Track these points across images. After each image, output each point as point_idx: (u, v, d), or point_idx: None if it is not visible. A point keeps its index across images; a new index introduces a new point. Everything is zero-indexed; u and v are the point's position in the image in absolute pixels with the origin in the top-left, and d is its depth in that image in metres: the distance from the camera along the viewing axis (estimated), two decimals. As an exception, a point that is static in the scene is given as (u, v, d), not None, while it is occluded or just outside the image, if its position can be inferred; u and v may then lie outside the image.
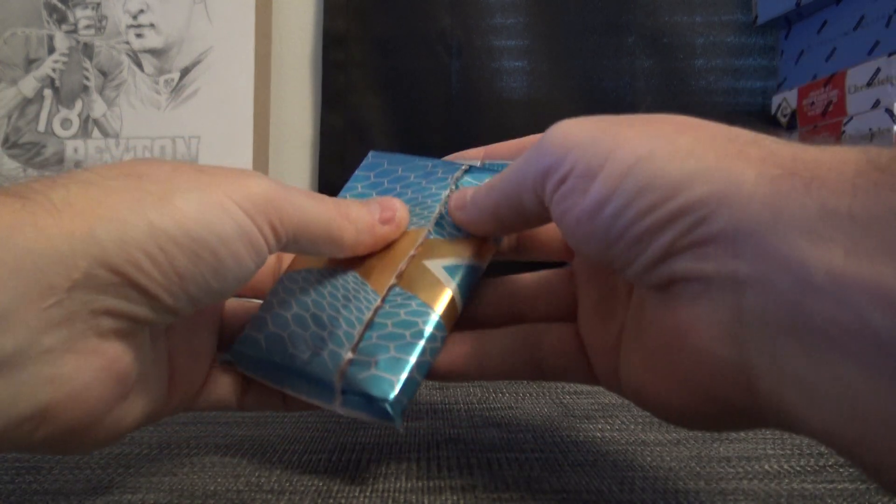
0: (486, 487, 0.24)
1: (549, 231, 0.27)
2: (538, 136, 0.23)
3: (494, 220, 0.24)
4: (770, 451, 0.29)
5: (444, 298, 0.24)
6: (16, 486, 0.24)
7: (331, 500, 0.23)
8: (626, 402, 0.37)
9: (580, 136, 0.20)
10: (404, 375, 0.22)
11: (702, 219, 0.17)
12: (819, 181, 0.15)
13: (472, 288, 0.25)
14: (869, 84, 0.53)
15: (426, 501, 0.23)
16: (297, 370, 0.24)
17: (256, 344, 0.25)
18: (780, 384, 0.16)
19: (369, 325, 0.24)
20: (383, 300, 0.24)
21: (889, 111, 0.51)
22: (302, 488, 0.24)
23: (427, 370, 0.24)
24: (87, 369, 0.18)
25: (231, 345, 0.26)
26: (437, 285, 0.24)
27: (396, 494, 0.24)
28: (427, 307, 0.24)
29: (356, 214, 0.24)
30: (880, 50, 0.54)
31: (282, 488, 0.24)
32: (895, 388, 0.13)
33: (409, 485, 0.24)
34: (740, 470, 0.26)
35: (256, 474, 0.26)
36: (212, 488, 0.24)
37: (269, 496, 0.23)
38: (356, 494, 0.24)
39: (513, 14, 0.68)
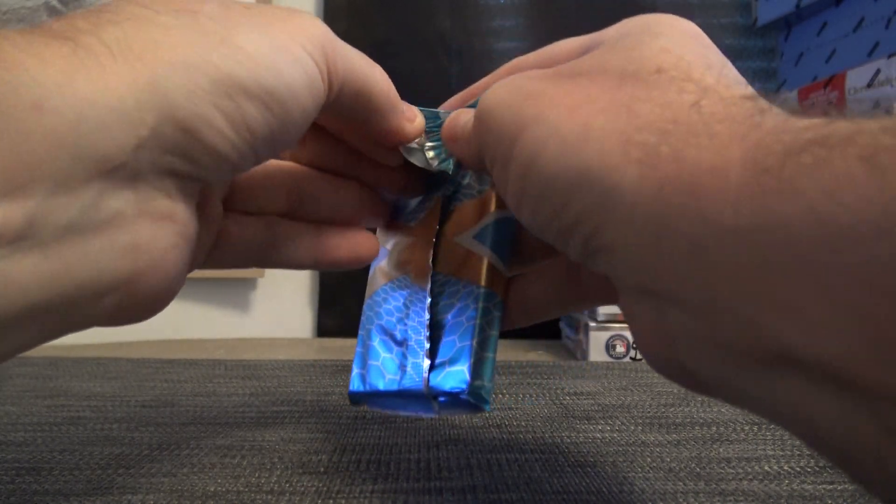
0: (486, 488, 0.24)
1: None
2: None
3: (476, 160, 0.23)
4: (770, 452, 0.29)
5: (483, 269, 0.24)
6: (16, 486, 0.24)
7: (330, 501, 0.23)
8: (627, 403, 0.37)
9: (498, 111, 0.19)
10: (471, 361, 0.22)
11: (596, 228, 0.16)
12: (699, 189, 0.13)
13: (509, 238, 0.25)
14: (869, 85, 0.53)
15: (426, 502, 0.23)
16: (398, 393, 0.24)
17: (360, 380, 0.25)
18: (720, 390, 0.15)
19: (431, 325, 0.24)
20: (431, 294, 0.24)
21: (889, 112, 0.51)
22: (302, 489, 0.24)
23: (495, 343, 0.23)
24: (163, 236, 0.17)
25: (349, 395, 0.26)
26: (473, 258, 0.24)
27: (396, 495, 0.24)
28: (471, 284, 0.24)
29: (389, 85, 0.23)
30: (880, 51, 0.54)
31: (281, 489, 0.24)
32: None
33: (409, 485, 0.24)
34: (740, 471, 0.26)
35: (256, 475, 0.26)
36: (212, 489, 0.24)
37: (269, 497, 0.23)
38: (356, 495, 0.24)
39: (512, 17, 0.69)
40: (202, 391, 0.39)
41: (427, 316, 0.24)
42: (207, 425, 0.32)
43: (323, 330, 0.70)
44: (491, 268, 0.24)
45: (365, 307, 0.27)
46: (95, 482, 0.25)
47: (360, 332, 0.27)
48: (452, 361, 0.23)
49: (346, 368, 0.46)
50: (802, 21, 0.64)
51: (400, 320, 0.25)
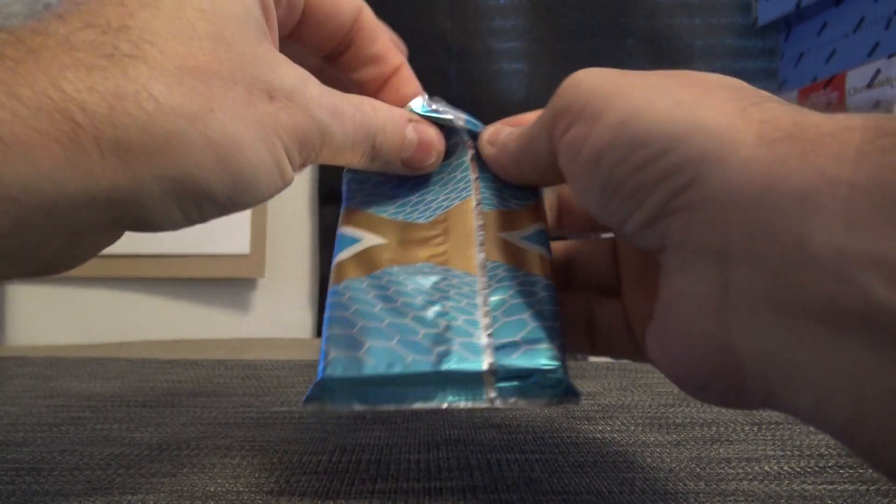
0: (486, 488, 0.24)
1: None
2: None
3: (515, 166, 0.24)
4: (770, 453, 0.29)
5: (544, 264, 0.23)
6: (16, 486, 0.24)
7: (330, 501, 0.23)
8: (627, 403, 0.37)
9: (589, 82, 0.20)
10: (559, 342, 0.21)
11: (694, 179, 0.16)
12: (819, 147, 0.14)
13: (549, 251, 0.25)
14: (869, 85, 0.53)
15: (426, 502, 0.23)
16: (424, 376, 0.21)
17: (355, 364, 0.21)
18: (766, 365, 0.15)
19: (487, 306, 0.22)
20: (486, 278, 0.23)
21: (889, 112, 0.51)
22: (302, 489, 0.24)
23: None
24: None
25: (317, 382, 0.21)
26: (529, 253, 0.24)
27: (396, 495, 0.24)
28: (534, 276, 0.23)
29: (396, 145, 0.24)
30: (880, 52, 0.54)
31: (281, 489, 0.24)
32: None
33: (409, 486, 0.24)
34: (740, 471, 0.26)
35: (256, 475, 0.26)
36: (212, 489, 0.24)
37: (269, 497, 0.23)
38: (356, 496, 0.24)
39: (512, 16, 0.69)
40: (202, 391, 0.39)
41: (480, 297, 0.22)
42: (207, 425, 0.32)
43: (323, 330, 0.70)
44: (551, 264, 0.24)
45: (343, 287, 0.23)
46: (95, 482, 0.25)
47: (335, 315, 0.22)
48: (532, 341, 0.21)
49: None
50: (802, 21, 0.64)
51: (429, 302, 0.22)
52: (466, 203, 0.25)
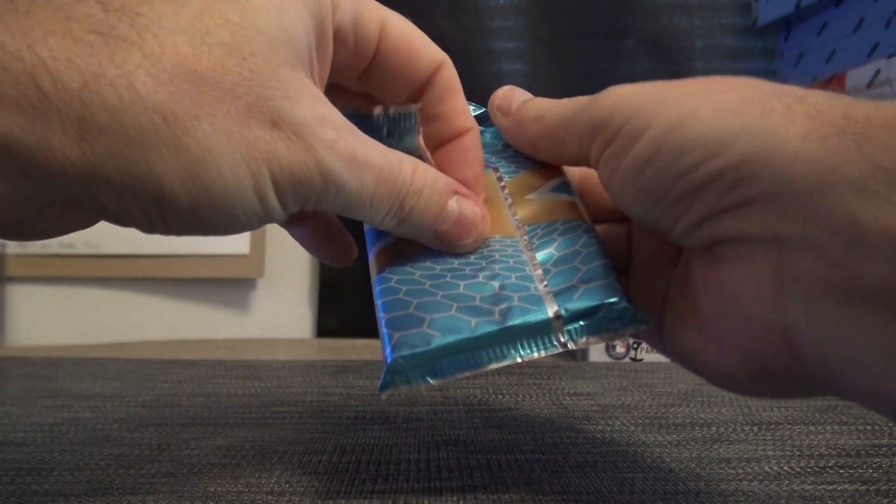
0: (486, 489, 0.24)
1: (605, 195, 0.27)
2: None
3: (530, 147, 0.25)
4: (770, 453, 0.29)
5: (577, 209, 0.24)
6: (16, 486, 0.24)
7: (330, 501, 0.23)
8: (627, 403, 0.37)
9: (629, 98, 0.20)
10: (613, 276, 0.22)
11: (742, 179, 0.16)
12: (872, 139, 0.15)
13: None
14: (869, 86, 0.53)
15: (426, 503, 0.23)
16: (492, 336, 0.21)
17: (421, 339, 0.21)
18: (825, 347, 0.16)
19: (535, 261, 0.23)
20: (527, 237, 0.23)
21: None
22: (302, 489, 0.24)
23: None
24: None
25: (387, 366, 0.21)
26: (561, 202, 0.24)
27: (396, 496, 0.24)
28: (571, 221, 0.24)
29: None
30: (880, 52, 0.54)
31: (281, 490, 0.24)
32: None
33: (409, 486, 0.24)
34: (740, 471, 0.26)
35: (256, 475, 0.26)
36: (212, 489, 0.24)
37: (269, 497, 0.23)
38: (356, 496, 0.24)
39: (512, 17, 0.68)
40: (202, 391, 0.39)
41: (527, 255, 0.23)
42: (207, 426, 0.32)
43: (323, 330, 0.70)
44: (583, 207, 0.24)
45: (386, 279, 0.23)
46: (95, 482, 0.25)
47: (387, 300, 0.23)
48: (587, 280, 0.21)
49: (346, 369, 0.46)
50: (802, 21, 0.64)
51: (476, 269, 0.23)
52: (488, 177, 0.26)
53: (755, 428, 0.32)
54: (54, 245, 0.67)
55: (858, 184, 0.14)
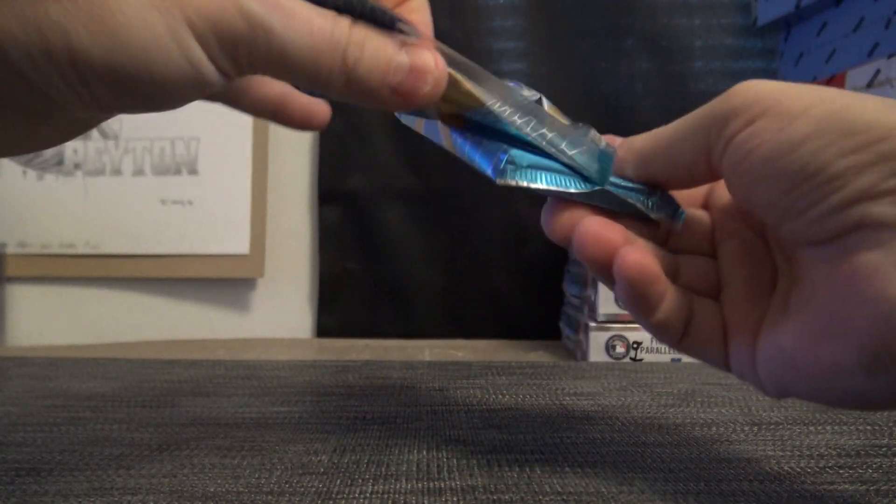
0: (486, 489, 0.24)
1: (701, 226, 0.26)
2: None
3: (642, 166, 0.24)
4: (770, 453, 0.29)
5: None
6: (16, 486, 0.24)
7: (330, 502, 0.23)
8: (627, 403, 0.37)
9: (776, 86, 0.20)
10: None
11: None
12: None
13: None
14: (869, 85, 0.53)
15: (426, 503, 0.23)
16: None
17: (523, 156, 0.24)
18: None
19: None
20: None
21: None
22: (302, 489, 0.24)
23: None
24: None
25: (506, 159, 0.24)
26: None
27: (396, 496, 0.24)
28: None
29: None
30: (880, 51, 0.54)
31: (281, 490, 0.24)
32: None
33: (409, 486, 0.24)
34: (740, 471, 0.26)
35: (256, 476, 0.26)
36: (212, 490, 0.24)
37: (269, 497, 0.23)
38: (356, 496, 0.24)
39: (512, 16, 0.68)
40: (202, 391, 0.39)
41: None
42: (207, 426, 0.32)
43: (323, 330, 0.70)
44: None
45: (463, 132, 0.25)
46: (95, 482, 0.25)
47: (474, 139, 0.24)
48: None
49: (346, 369, 0.46)
50: (802, 21, 0.64)
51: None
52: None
53: (755, 428, 0.32)
54: (54, 245, 0.67)
55: None
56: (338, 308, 0.70)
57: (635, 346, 0.51)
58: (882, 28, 0.54)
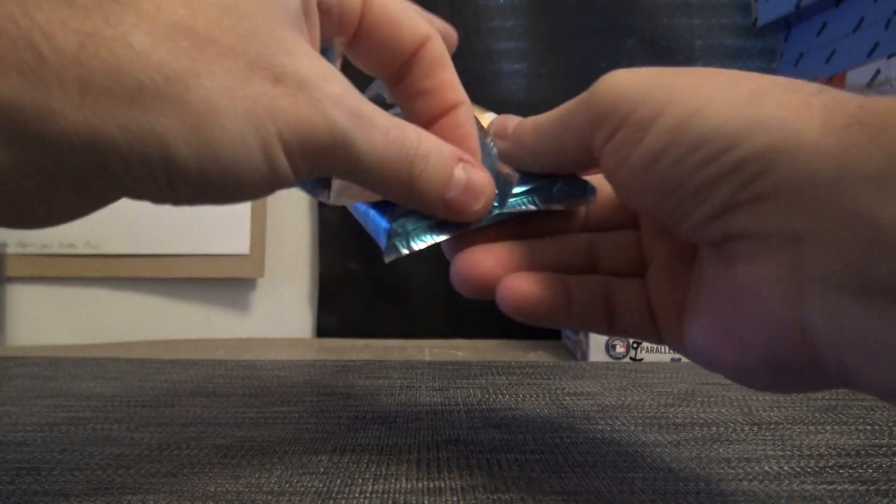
0: (486, 488, 0.24)
1: (615, 202, 0.26)
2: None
3: (534, 161, 0.24)
4: (770, 453, 0.29)
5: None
6: (16, 486, 0.24)
7: (330, 502, 0.23)
8: (627, 403, 0.37)
9: (632, 85, 0.20)
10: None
11: (760, 172, 0.16)
12: (889, 130, 0.14)
13: None
14: (869, 86, 0.53)
15: (426, 503, 0.23)
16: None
17: (405, 221, 0.23)
18: (843, 343, 0.16)
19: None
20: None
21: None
22: (302, 489, 0.24)
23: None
24: None
25: (389, 233, 0.23)
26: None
27: (396, 496, 0.24)
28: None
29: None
30: (880, 52, 0.54)
31: (281, 489, 0.24)
32: None
33: (409, 486, 0.24)
34: (740, 471, 0.26)
35: (256, 475, 0.26)
36: (212, 489, 0.24)
37: (269, 497, 0.23)
38: (356, 496, 0.24)
39: (512, 16, 0.68)
40: (202, 391, 0.39)
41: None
42: (207, 425, 0.32)
43: (323, 330, 0.70)
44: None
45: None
46: (95, 482, 0.25)
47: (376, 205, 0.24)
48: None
49: (346, 369, 0.46)
50: (802, 21, 0.64)
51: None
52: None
53: (755, 428, 0.32)
54: (54, 245, 0.67)
55: (875, 178, 0.14)
56: (338, 308, 0.70)
57: (635, 345, 0.51)
58: (882, 28, 0.54)
